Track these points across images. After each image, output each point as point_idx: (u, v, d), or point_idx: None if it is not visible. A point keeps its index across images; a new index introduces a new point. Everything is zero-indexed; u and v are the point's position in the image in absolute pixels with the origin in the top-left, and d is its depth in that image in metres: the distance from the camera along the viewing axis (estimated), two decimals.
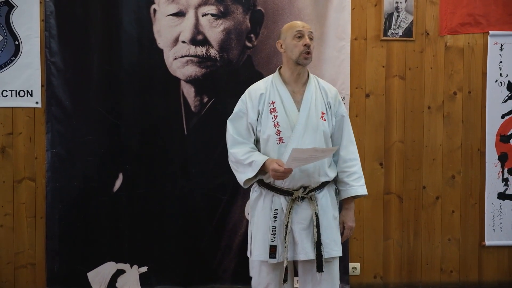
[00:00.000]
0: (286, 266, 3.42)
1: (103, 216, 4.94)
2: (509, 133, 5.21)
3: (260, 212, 3.50)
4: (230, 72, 4.97)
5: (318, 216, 3.43)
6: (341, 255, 3.55)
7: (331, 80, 4.98)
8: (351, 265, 5.14)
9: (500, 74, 5.18)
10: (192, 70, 4.94)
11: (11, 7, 4.87)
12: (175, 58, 4.93)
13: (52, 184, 4.90)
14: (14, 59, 4.89)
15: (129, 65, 4.92)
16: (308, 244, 3.43)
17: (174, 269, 5.01)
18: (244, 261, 5.04)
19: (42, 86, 4.91)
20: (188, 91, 4.94)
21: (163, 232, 4.98)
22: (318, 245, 3.41)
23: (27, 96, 4.91)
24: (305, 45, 3.47)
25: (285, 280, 3.43)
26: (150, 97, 4.95)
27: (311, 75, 3.62)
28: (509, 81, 5.18)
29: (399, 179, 5.18)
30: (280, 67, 3.63)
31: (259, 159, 3.41)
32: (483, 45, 5.18)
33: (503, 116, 5.20)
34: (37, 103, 4.93)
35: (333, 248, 3.49)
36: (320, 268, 3.42)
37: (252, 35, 4.99)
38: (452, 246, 5.24)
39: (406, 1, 5.09)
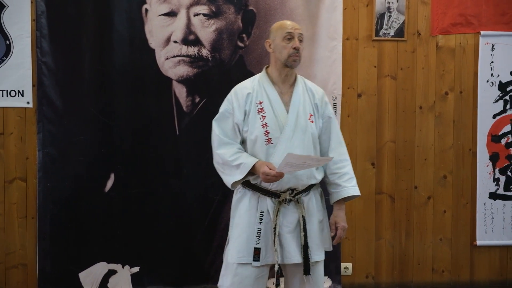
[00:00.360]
0: (278, 270, 3.36)
1: (95, 217, 4.93)
2: (500, 133, 5.23)
3: (244, 213, 3.43)
4: (222, 72, 4.96)
5: (304, 219, 3.40)
6: (323, 258, 3.53)
7: (322, 80, 5.01)
8: (343, 265, 5.15)
9: (492, 74, 5.19)
10: (184, 70, 4.93)
11: (2, 6, 4.85)
12: (167, 58, 4.92)
13: (43, 184, 4.89)
14: (5, 59, 4.87)
15: (120, 65, 4.91)
16: (294, 247, 3.40)
17: (166, 269, 5.00)
18: None
19: (33, 86, 4.89)
20: (180, 91, 4.93)
21: (155, 232, 4.97)
22: (305, 248, 3.38)
23: (18, 96, 4.90)
24: (295, 48, 3.43)
25: (278, 285, 3.37)
26: (142, 97, 4.94)
27: (298, 76, 3.59)
28: (500, 81, 5.20)
29: (390, 179, 5.19)
30: (267, 67, 3.60)
31: (248, 161, 3.35)
32: (475, 45, 5.20)
33: (494, 116, 5.22)
34: (28, 103, 4.91)
35: (316, 252, 3.46)
36: (307, 271, 3.38)
37: (244, 35, 4.99)
38: (443, 246, 5.25)
39: (397, 1, 5.09)
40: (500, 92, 5.21)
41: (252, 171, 3.35)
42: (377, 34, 5.11)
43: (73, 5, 4.87)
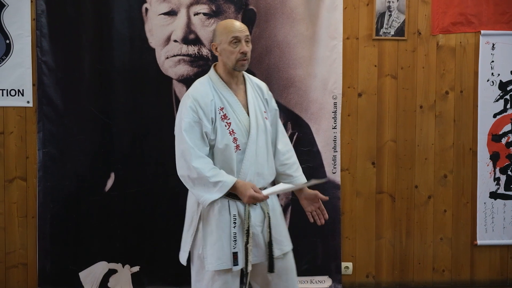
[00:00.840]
0: (248, 271, 3.34)
1: (95, 216, 4.93)
2: (501, 132, 5.22)
3: (217, 219, 3.34)
4: None
5: (269, 216, 3.40)
6: (292, 247, 3.57)
7: (323, 79, 5.01)
8: (343, 264, 5.14)
9: (492, 73, 5.19)
10: (184, 69, 4.93)
11: (2, 6, 4.85)
12: (167, 57, 4.92)
13: (43, 183, 4.89)
14: (5, 58, 4.87)
15: (120, 64, 4.91)
16: (264, 246, 3.41)
17: (166, 269, 4.99)
18: None
19: (33, 85, 4.89)
20: (180, 90, 4.93)
21: (155, 231, 4.97)
22: (269, 245, 3.38)
23: (18, 95, 4.89)
24: (242, 52, 3.32)
25: (246, 284, 3.34)
26: (142, 96, 4.93)
27: (243, 73, 3.50)
28: (500, 81, 5.19)
29: (391, 178, 5.18)
30: (215, 65, 3.51)
31: (227, 180, 3.25)
32: (475, 45, 5.19)
33: (495, 116, 5.21)
34: (28, 102, 4.91)
35: (285, 243, 3.50)
36: (272, 269, 3.38)
37: None
38: (444, 245, 5.24)
39: (398, 0, 5.09)
40: (500, 91, 5.20)
41: (231, 190, 3.28)
42: (377, 34, 5.11)
43: (73, 4, 4.87)
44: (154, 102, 4.93)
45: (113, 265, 4.94)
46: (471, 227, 5.25)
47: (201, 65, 4.93)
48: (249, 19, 4.96)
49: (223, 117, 3.33)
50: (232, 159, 3.34)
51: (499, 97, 5.20)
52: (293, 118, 5.02)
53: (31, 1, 4.86)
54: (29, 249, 4.96)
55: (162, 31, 4.90)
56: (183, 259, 3.49)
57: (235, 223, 3.32)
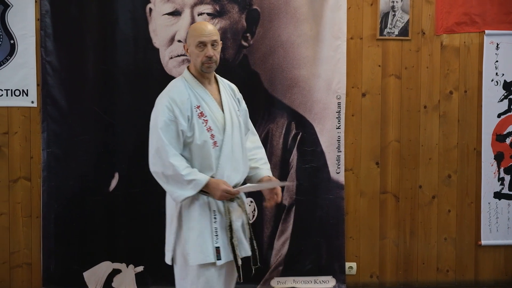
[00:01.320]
0: (239, 265, 3.43)
1: (99, 216, 4.94)
2: (505, 132, 5.21)
3: (198, 215, 3.42)
4: (226, 72, 4.90)
5: (247, 213, 3.54)
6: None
7: (327, 79, 5.01)
8: (347, 264, 5.14)
9: (496, 73, 5.18)
10: None
11: (6, 6, 4.85)
12: (171, 57, 4.92)
13: (47, 183, 4.89)
14: (9, 58, 4.88)
15: (124, 64, 4.91)
16: (245, 241, 3.51)
17: (170, 269, 4.95)
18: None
19: (37, 85, 4.90)
20: None
21: (159, 231, 4.95)
22: (251, 241, 3.51)
23: (23, 96, 4.90)
24: (207, 56, 3.42)
25: (240, 278, 3.45)
26: (146, 97, 4.91)
27: (214, 73, 3.63)
28: (505, 80, 5.18)
29: (395, 178, 5.18)
30: (188, 66, 3.61)
31: (201, 178, 3.35)
32: (479, 44, 5.18)
33: (499, 115, 5.21)
34: (32, 102, 4.92)
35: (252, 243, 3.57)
36: (256, 262, 3.50)
37: (248, 35, 4.98)
38: (448, 246, 5.24)
39: (402, 0, 5.08)
40: (504, 91, 5.20)
41: (203, 189, 3.38)
42: (381, 33, 5.11)
43: (77, 5, 4.88)
44: None
45: (117, 265, 4.95)
46: (475, 227, 5.24)
47: None
48: (253, 19, 4.97)
49: (200, 114, 3.43)
50: (210, 155, 3.43)
51: (503, 97, 5.20)
52: (297, 118, 5.02)
53: (35, 2, 4.87)
54: (33, 249, 4.97)
55: (166, 31, 4.91)
56: (167, 258, 3.60)
57: (215, 218, 3.42)
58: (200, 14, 4.92)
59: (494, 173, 5.22)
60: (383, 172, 5.17)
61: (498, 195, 5.23)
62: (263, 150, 3.78)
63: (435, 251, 5.23)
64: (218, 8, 4.93)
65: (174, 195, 3.41)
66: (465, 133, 5.21)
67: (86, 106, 4.90)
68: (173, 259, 3.56)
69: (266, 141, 5.00)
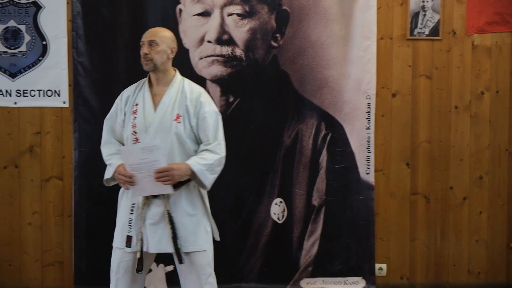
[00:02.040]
0: (141, 256, 3.63)
1: None
2: None
3: (123, 205, 3.76)
4: (255, 72, 4.97)
5: (170, 213, 3.61)
6: (200, 250, 3.71)
7: (356, 80, 5.00)
8: (377, 265, 5.12)
9: None
10: (217, 69, 4.95)
11: (38, 7, 4.92)
12: (201, 58, 4.94)
13: (79, 182, 4.94)
14: (41, 59, 4.94)
15: None
16: (155, 238, 3.62)
17: None
18: (270, 261, 5.07)
19: (69, 85, 4.95)
20: (214, 90, 4.95)
21: None
22: (174, 240, 3.61)
23: (55, 96, 4.96)
24: (143, 53, 3.70)
25: (139, 270, 3.65)
26: None
27: (178, 78, 3.79)
28: None
29: (426, 179, 5.15)
30: None
31: (115, 163, 3.71)
32: (511, 44, 5.13)
33: None
34: (64, 102, 4.97)
35: (187, 243, 3.65)
36: (180, 260, 3.64)
37: (277, 35, 4.99)
38: (479, 247, 5.19)
39: (432, 0, 5.05)
40: None
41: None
42: (411, 33, 5.08)
43: (108, 6, 4.92)
44: None
45: None
46: (507, 229, 5.19)
47: (234, 65, 4.94)
48: (282, 20, 4.97)
49: (133, 112, 3.70)
50: None
51: None
52: (326, 119, 5.01)
53: (67, 3, 4.92)
54: (65, 247, 5.02)
55: (196, 32, 4.93)
56: None
57: (132, 210, 3.68)
58: (230, 14, 4.93)
59: None
60: (414, 173, 5.14)
61: None
62: (217, 156, 3.67)
63: (466, 253, 5.18)
64: (247, 9, 4.94)
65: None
66: (497, 134, 5.16)
67: None
68: None
69: (295, 142, 5.01)
